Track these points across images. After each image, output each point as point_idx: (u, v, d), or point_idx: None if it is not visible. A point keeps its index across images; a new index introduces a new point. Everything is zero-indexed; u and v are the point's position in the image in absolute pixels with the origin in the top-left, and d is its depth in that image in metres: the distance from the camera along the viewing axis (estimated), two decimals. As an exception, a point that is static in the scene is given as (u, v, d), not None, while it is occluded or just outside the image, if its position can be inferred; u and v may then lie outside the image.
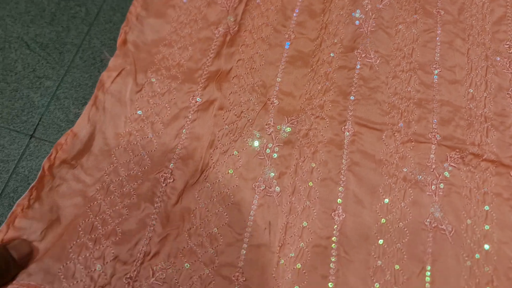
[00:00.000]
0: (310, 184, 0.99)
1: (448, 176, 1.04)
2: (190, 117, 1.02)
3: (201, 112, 1.02)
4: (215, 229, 0.91)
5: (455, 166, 1.04)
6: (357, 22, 1.21)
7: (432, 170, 1.03)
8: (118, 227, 0.87)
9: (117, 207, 0.88)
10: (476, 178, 1.04)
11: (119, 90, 1.02)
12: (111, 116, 0.99)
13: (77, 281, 0.81)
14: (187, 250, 0.88)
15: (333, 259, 0.92)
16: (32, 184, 0.86)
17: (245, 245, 0.91)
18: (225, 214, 0.93)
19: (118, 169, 0.93)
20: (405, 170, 1.02)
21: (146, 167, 0.94)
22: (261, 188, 0.97)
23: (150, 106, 1.02)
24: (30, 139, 0.99)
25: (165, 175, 0.93)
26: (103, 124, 0.98)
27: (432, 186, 1.02)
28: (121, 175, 0.93)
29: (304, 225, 0.94)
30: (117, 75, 1.03)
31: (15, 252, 0.67)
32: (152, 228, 0.88)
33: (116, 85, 1.02)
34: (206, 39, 1.13)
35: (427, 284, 0.92)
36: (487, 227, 0.99)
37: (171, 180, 0.93)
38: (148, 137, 0.98)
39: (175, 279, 0.85)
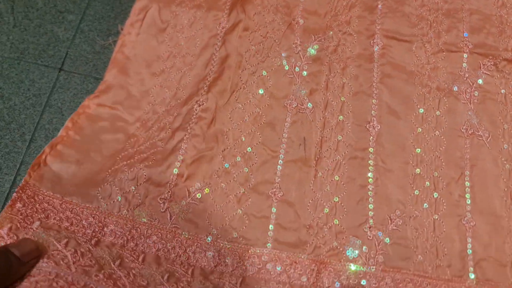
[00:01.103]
0: (342, 99, 0.97)
1: (482, 83, 1.02)
2: (218, 44, 1.01)
3: (227, 36, 1.01)
4: (249, 148, 0.91)
5: (488, 74, 1.02)
6: None
7: (465, 78, 1.01)
8: (152, 155, 0.87)
9: (153, 140, 0.89)
10: (511, 84, 1.02)
11: (146, 31, 1.01)
12: (144, 58, 0.98)
13: (113, 201, 0.83)
14: (222, 171, 0.89)
15: (370, 169, 0.91)
16: (66, 122, 0.89)
17: (280, 161, 0.91)
18: (258, 133, 0.92)
19: (156, 107, 0.93)
20: (438, 80, 1.00)
21: (181, 99, 0.94)
22: (293, 106, 0.96)
23: (179, 40, 1.01)
24: (59, 72, 0.99)
25: (198, 102, 0.93)
26: (137, 67, 0.97)
27: (467, 94, 1.00)
28: (159, 112, 0.93)
29: (339, 138, 0.94)
30: (143, 17, 1.02)
31: (17, 251, 0.65)
32: (184, 151, 0.89)
33: (143, 27, 1.01)
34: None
35: (467, 188, 0.91)
36: (524, 130, 0.98)
37: (203, 104, 0.93)
38: (181, 71, 0.97)
39: (212, 199, 0.86)
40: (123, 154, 0.86)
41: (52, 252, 0.73)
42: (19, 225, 0.75)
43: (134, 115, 0.92)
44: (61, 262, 0.72)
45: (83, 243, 0.76)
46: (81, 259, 0.74)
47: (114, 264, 0.75)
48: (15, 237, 0.74)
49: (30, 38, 1.01)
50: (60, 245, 0.74)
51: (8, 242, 0.73)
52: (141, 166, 0.85)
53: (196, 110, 0.92)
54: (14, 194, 0.79)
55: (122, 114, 0.92)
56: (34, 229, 0.76)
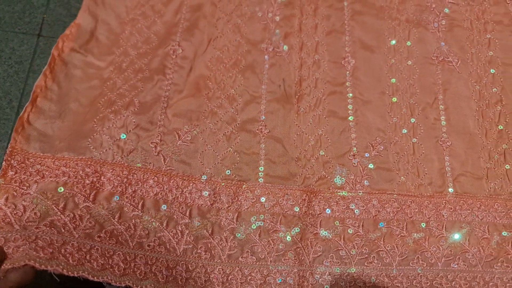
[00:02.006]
0: (316, 39, 1.01)
1: (448, 12, 1.06)
2: None
3: (198, -16, 1.03)
4: (233, 90, 0.94)
5: (453, 2, 1.07)
6: None
7: (432, 9, 1.06)
8: (135, 98, 0.90)
9: (132, 82, 0.92)
10: (476, 10, 1.07)
11: None
12: (111, 7, 1.01)
13: (105, 150, 0.85)
14: (208, 112, 0.92)
15: (349, 101, 0.96)
16: (45, 68, 0.89)
17: (263, 101, 0.95)
18: (240, 76, 0.96)
19: (128, 50, 0.96)
20: (406, 12, 1.04)
21: (154, 44, 0.97)
22: (270, 50, 0.99)
23: None
24: (38, 38, 1.00)
25: (174, 47, 0.96)
26: (105, 15, 0.99)
27: (435, 24, 1.04)
28: (131, 54, 0.95)
29: (317, 76, 0.97)
30: None
31: None
32: (166, 98, 0.92)
33: None
34: None
35: (441, 111, 0.97)
36: (491, 53, 1.03)
37: (180, 51, 0.96)
38: (151, 18, 1.00)
39: (202, 139, 0.90)
40: (103, 100, 0.89)
41: (52, 218, 0.76)
42: (15, 193, 0.77)
43: (106, 60, 0.95)
44: (63, 230, 0.75)
45: (81, 202, 0.79)
46: (80, 223, 0.77)
47: (114, 219, 0.79)
48: (13, 206, 0.75)
49: (5, 7, 1.02)
50: (58, 209, 0.77)
51: (8, 213, 0.75)
52: (128, 112, 0.88)
53: (173, 56, 0.95)
54: (3, 162, 0.79)
55: (93, 60, 0.95)
56: (32, 193, 0.78)
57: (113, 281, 0.73)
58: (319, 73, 0.97)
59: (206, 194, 0.84)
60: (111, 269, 0.74)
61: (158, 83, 0.91)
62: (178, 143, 0.87)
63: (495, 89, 0.98)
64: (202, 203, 0.84)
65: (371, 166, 0.90)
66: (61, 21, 1.00)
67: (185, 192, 0.84)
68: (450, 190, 0.89)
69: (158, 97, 0.90)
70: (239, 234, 0.82)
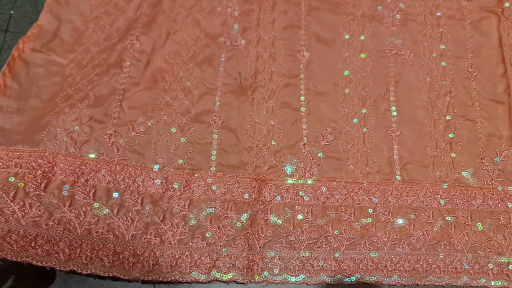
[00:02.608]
0: (273, 33, 1.05)
1: (403, 7, 1.10)
2: None
3: (157, -20, 1.07)
4: (189, 83, 0.98)
5: (408, -3, 1.10)
6: None
7: (388, 4, 1.09)
8: (90, 91, 0.94)
9: (90, 76, 0.95)
10: (429, 5, 1.10)
11: None
12: (75, 6, 1.04)
13: (59, 142, 0.89)
14: (164, 104, 0.96)
15: (302, 93, 0.99)
16: (3, 68, 0.93)
17: (219, 93, 0.98)
18: (197, 69, 0.99)
19: (89, 47, 1.00)
20: (363, 8, 1.08)
21: (115, 40, 1.00)
22: (228, 44, 1.03)
23: None
24: (5, 34, 1.04)
25: (132, 42, 0.99)
26: (69, 15, 1.03)
27: (389, 18, 1.08)
28: (92, 51, 0.99)
29: (272, 69, 1.01)
30: None
31: None
32: (122, 91, 0.95)
33: None
34: None
35: (392, 102, 1.00)
36: (442, 46, 1.06)
37: (138, 45, 0.99)
38: (114, 16, 1.04)
39: (155, 130, 0.93)
40: (62, 95, 0.92)
41: (1, 207, 0.80)
42: None
43: (68, 57, 0.98)
44: (11, 218, 0.79)
45: (32, 190, 0.82)
46: (29, 211, 0.81)
47: (64, 206, 0.83)
48: None
49: (-29, 4, 1.06)
50: (8, 197, 0.81)
51: None
52: (83, 106, 0.91)
53: (131, 50, 0.98)
54: None
55: (56, 58, 0.98)
56: None
57: (57, 266, 0.78)
58: (275, 66, 1.01)
59: (158, 182, 0.88)
60: (56, 255, 0.78)
61: (114, 76, 0.94)
62: (132, 134, 0.91)
63: (445, 81, 1.02)
64: (154, 191, 0.87)
65: (320, 155, 0.93)
66: (28, 17, 1.03)
67: (137, 180, 0.87)
68: (397, 177, 0.93)
69: (114, 90, 0.93)
70: (191, 221, 0.86)
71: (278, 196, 0.90)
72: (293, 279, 0.85)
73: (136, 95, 0.94)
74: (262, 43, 1.03)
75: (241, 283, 0.85)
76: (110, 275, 0.81)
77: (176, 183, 0.88)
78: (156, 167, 0.89)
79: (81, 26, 1.01)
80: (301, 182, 0.91)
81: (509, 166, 0.96)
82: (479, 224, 0.90)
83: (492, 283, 0.87)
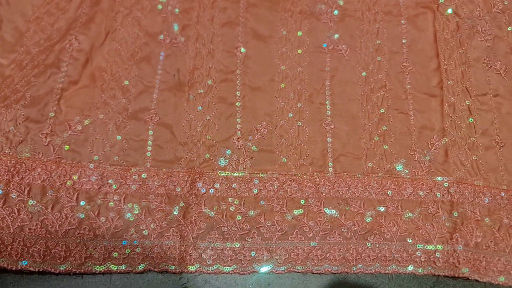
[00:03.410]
0: (212, 30, 1.07)
1: (342, 4, 1.12)
2: None
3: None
4: (126, 81, 1.00)
5: (347, -6, 1.13)
6: None
7: (326, 0, 1.12)
8: (27, 92, 0.95)
9: (27, 77, 0.97)
10: (367, 2, 1.13)
11: None
12: (17, 6, 1.06)
13: None
14: (101, 103, 0.98)
15: (238, 88, 1.02)
16: None
17: (156, 91, 1.00)
18: (135, 67, 1.01)
19: (30, 48, 1.01)
20: (301, 4, 1.10)
21: (55, 40, 1.02)
22: (167, 41, 1.05)
23: None
24: None
25: (70, 41, 1.01)
26: (10, 15, 1.04)
27: (328, 15, 1.10)
28: (32, 52, 1.01)
29: (210, 66, 1.03)
30: None
31: None
32: (60, 90, 0.97)
33: None
34: None
35: (327, 96, 1.03)
36: (378, 41, 1.09)
37: (77, 45, 1.01)
38: (55, 16, 1.05)
39: (92, 129, 0.95)
40: (0, 96, 0.94)
41: None
42: None
43: (9, 58, 1.00)
44: None
45: None
46: None
47: None
48: None
49: None
50: None
51: None
52: (18, 106, 0.93)
53: (69, 50, 1.00)
54: None
55: None
56: None
57: None
58: (213, 63, 1.03)
59: (94, 179, 0.90)
60: None
61: (51, 76, 0.96)
62: (69, 133, 0.93)
63: (381, 75, 1.05)
64: (89, 187, 0.89)
65: (254, 148, 0.96)
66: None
67: (73, 177, 0.89)
68: (330, 169, 0.96)
69: (51, 90, 0.95)
70: (126, 215, 0.88)
71: (211, 189, 0.92)
72: (226, 269, 0.87)
73: (74, 94, 0.95)
74: (201, 39, 1.05)
75: (174, 273, 0.87)
76: (41, 269, 0.82)
77: (111, 179, 0.90)
78: (91, 165, 0.91)
79: (23, 26, 1.03)
80: (234, 174, 0.93)
81: (440, 157, 0.98)
82: (409, 214, 0.93)
83: (420, 270, 0.90)
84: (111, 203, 0.88)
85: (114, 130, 0.94)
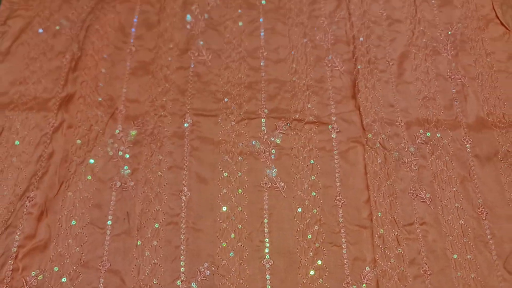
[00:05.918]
0: (159, 173, 1.17)
1: (279, 142, 1.24)
2: (48, 141, 1.19)
3: (53, 134, 1.19)
4: (80, 229, 1.08)
5: (283, 133, 1.25)
6: (188, 27, 1.39)
7: (264, 140, 1.23)
8: None
9: None
10: (302, 139, 1.25)
11: None
12: None
13: None
14: (56, 256, 1.05)
15: (182, 231, 1.10)
16: None
17: (107, 237, 1.08)
18: (87, 215, 1.10)
19: None
20: (240, 144, 1.22)
21: (18, 195, 1.10)
22: (118, 186, 1.14)
23: (14, 141, 1.18)
24: None
25: (29, 196, 1.09)
26: None
27: (266, 153, 1.22)
28: None
29: (157, 209, 1.12)
30: None
31: None
32: (16, 249, 1.04)
33: None
34: (56, 68, 1.29)
35: (265, 234, 1.12)
36: (313, 177, 1.20)
37: (32, 201, 1.09)
38: (19, 168, 1.14)
39: (46, 283, 1.02)
40: None
41: None
42: None
43: None
44: None
45: None
46: None
47: None
48: None
49: None
50: None
51: None
52: None
53: (26, 205, 1.08)
54: None
55: None
56: None
57: None
58: (160, 206, 1.12)
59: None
60: None
61: (8, 237, 1.04)
62: None
63: (315, 210, 1.14)
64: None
65: (196, 289, 1.03)
66: None
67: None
68: (267, 308, 1.03)
69: (8, 248, 1.03)
70: None
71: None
72: None
73: (30, 249, 1.02)
74: (149, 183, 1.14)
75: None
76: None
77: None
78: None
79: None
80: (177, 319, 1.00)
81: (371, 288, 1.06)
82: None
83: None
84: None
85: (68, 282, 1.01)
